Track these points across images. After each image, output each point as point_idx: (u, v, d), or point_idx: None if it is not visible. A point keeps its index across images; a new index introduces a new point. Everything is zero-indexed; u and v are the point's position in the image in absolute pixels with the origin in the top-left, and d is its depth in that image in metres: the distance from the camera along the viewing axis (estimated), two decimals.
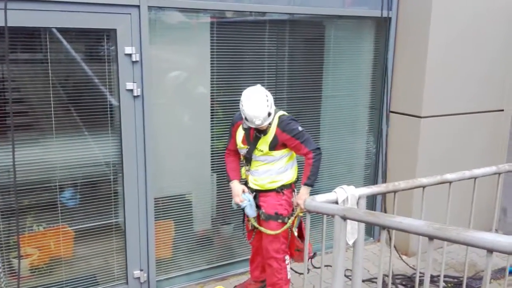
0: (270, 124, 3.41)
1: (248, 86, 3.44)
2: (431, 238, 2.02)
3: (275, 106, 3.51)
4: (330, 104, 4.73)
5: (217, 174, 4.18)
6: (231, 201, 3.71)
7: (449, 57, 4.53)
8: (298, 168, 3.68)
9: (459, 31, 4.52)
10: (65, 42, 3.39)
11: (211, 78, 3.99)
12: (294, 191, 3.63)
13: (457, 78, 4.64)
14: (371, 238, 5.07)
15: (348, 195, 2.54)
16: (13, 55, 3.28)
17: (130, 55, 3.48)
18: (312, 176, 3.45)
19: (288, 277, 3.72)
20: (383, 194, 4.48)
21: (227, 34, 4.00)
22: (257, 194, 3.59)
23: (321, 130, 4.73)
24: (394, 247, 4.69)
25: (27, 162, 3.36)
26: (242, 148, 3.55)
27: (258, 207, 3.59)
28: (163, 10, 3.68)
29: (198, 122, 4.07)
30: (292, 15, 4.29)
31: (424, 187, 2.80)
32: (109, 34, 3.48)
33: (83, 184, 3.68)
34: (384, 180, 4.83)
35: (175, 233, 4.11)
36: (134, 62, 3.51)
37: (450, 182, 2.89)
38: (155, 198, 3.84)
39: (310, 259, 3.75)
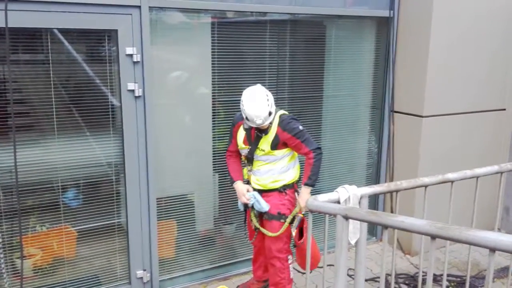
0: (271, 123, 3.41)
1: (249, 86, 3.44)
2: (433, 237, 2.01)
3: (276, 105, 3.51)
4: (332, 104, 4.73)
5: (219, 174, 4.19)
6: (234, 201, 3.71)
7: (451, 56, 4.52)
8: (300, 168, 3.68)
9: (461, 31, 4.52)
10: (66, 43, 3.39)
11: (212, 78, 3.99)
12: (296, 191, 3.63)
13: (459, 77, 4.63)
14: (374, 238, 5.07)
15: (350, 194, 2.54)
16: (15, 56, 3.29)
17: (131, 55, 3.48)
18: (312, 176, 3.45)
19: (291, 277, 3.72)
20: (386, 194, 4.48)
21: (228, 34, 4.00)
22: (260, 194, 3.59)
23: (322, 130, 4.73)
24: (400, 246, 4.70)
25: (29, 163, 3.36)
26: (244, 149, 3.55)
27: None
28: (164, 10, 3.68)
29: (199, 122, 4.07)
30: (293, 15, 4.29)
31: (426, 186, 2.80)
32: (110, 35, 3.48)
33: (85, 184, 3.69)
34: (391, 180, 4.81)
35: (178, 233, 4.11)
36: (135, 63, 3.51)
37: (452, 182, 2.88)
38: (157, 198, 3.84)
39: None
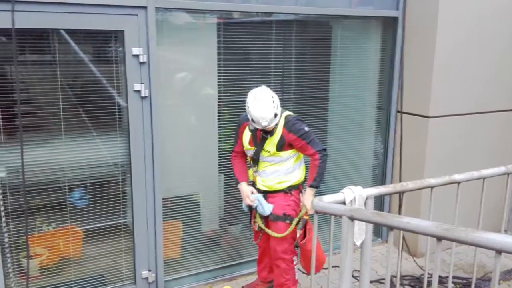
0: (276, 124, 3.41)
1: (255, 86, 3.44)
2: (439, 239, 2.00)
3: (282, 106, 3.51)
4: (337, 104, 4.72)
5: (224, 175, 4.19)
6: (240, 202, 3.71)
7: (457, 56, 4.50)
8: (305, 169, 3.67)
9: (467, 31, 4.49)
10: (73, 44, 3.41)
11: (218, 79, 4.00)
12: (301, 191, 3.63)
13: (465, 78, 4.61)
14: (379, 239, 5.05)
15: (355, 195, 2.53)
16: (22, 57, 3.31)
17: (137, 56, 3.49)
18: (318, 178, 3.44)
19: (296, 278, 3.72)
20: (392, 195, 4.46)
21: (234, 35, 4.00)
22: (265, 195, 3.59)
23: (328, 130, 4.72)
24: (407, 247, 4.68)
25: (36, 163, 3.38)
26: (249, 150, 3.56)
27: None
28: (170, 11, 3.69)
29: (205, 123, 4.08)
30: (299, 15, 4.28)
31: (432, 187, 2.79)
32: (117, 35, 3.49)
33: (91, 184, 3.71)
34: (399, 180, 4.79)
35: (183, 233, 4.12)
36: (141, 63, 3.52)
37: (458, 183, 2.87)
38: (163, 199, 3.85)
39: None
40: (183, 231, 4.12)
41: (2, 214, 3.35)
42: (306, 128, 3.43)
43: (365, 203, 2.56)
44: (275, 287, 3.76)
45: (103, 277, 3.83)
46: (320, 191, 4.07)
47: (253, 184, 3.65)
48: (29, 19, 3.10)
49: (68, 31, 3.35)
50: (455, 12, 4.39)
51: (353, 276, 2.75)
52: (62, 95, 3.40)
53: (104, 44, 3.59)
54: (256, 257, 4.05)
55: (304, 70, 4.49)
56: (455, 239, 1.91)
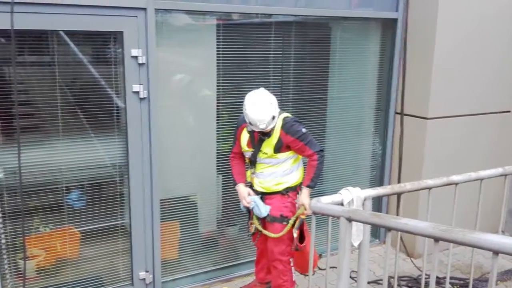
0: (274, 126, 3.40)
1: (254, 88, 3.44)
2: (436, 239, 2.01)
3: (281, 107, 3.51)
4: (336, 105, 4.73)
5: (222, 176, 4.19)
6: (237, 203, 3.71)
7: (456, 58, 4.52)
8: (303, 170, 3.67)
9: (466, 32, 4.51)
10: (72, 45, 3.40)
11: (217, 80, 4.00)
12: (298, 193, 3.63)
13: (464, 79, 4.62)
14: (377, 240, 5.06)
15: (353, 196, 2.54)
16: (21, 58, 3.30)
17: (136, 57, 3.49)
18: (315, 178, 3.45)
19: (293, 279, 3.72)
20: (390, 196, 4.47)
21: (233, 36, 4.00)
22: (263, 196, 3.58)
23: (327, 132, 4.72)
24: (404, 248, 4.68)
25: (34, 164, 3.37)
26: (247, 151, 3.55)
27: None
28: (169, 12, 3.69)
29: (204, 124, 4.08)
30: (298, 17, 4.29)
31: (430, 188, 2.79)
32: (116, 37, 3.49)
33: (89, 185, 3.70)
34: (399, 181, 4.79)
35: (181, 234, 4.11)
36: (140, 65, 3.52)
37: (456, 184, 2.88)
38: (160, 200, 3.85)
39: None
40: (181, 232, 4.11)
41: None
42: (304, 130, 3.43)
43: (363, 204, 2.56)
44: None
45: (101, 278, 3.82)
46: (318, 192, 4.08)
47: (250, 185, 3.65)
48: (28, 20, 3.10)
49: (67, 32, 3.34)
50: (454, 13, 4.40)
51: (350, 277, 2.75)
52: (61, 96, 3.40)
53: (103, 45, 3.59)
54: (254, 258, 4.04)
55: (303, 72, 4.50)
56: (453, 240, 1.92)
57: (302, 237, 3.56)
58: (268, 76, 4.24)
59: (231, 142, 3.77)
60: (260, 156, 3.49)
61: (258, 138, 3.47)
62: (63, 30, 3.32)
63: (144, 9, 3.46)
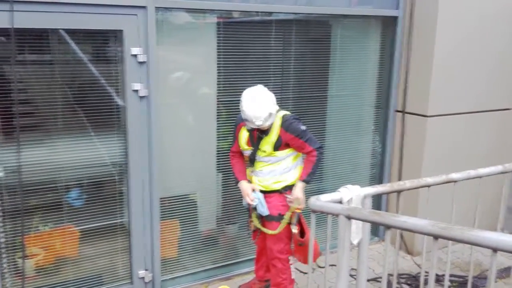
0: (272, 124, 3.40)
1: (254, 86, 3.44)
2: (436, 237, 2.01)
3: (281, 105, 3.51)
4: (336, 103, 4.72)
5: (222, 174, 4.19)
6: (237, 200, 3.71)
7: (456, 56, 4.51)
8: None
9: (466, 30, 4.51)
10: (72, 43, 3.40)
11: (218, 79, 4.00)
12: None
13: (464, 77, 4.62)
14: (376, 238, 5.06)
15: (353, 194, 2.53)
16: (20, 57, 3.29)
17: (136, 55, 3.48)
18: (311, 174, 3.47)
19: (293, 277, 3.72)
20: (389, 194, 4.46)
21: (233, 34, 4.00)
22: (262, 195, 3.58)
23: (326, 130, 4.72)
24: (404, 245, 4.69)
25: (34, 163, 3.37)
26: (246, 150, 3.55)
27: None
28: (170, 11, 3.68)
29: (204, 123, 4.08)
30: (298, 15, 4.28)
31: (429, 186, 2.79)
32: (116, 35, 3.48)
33: (88, 184, 3.70)
34: (400, 179, 4.79)
35: (180, 233, 4.12)
36: (140, 63, 3.51)
37: (455, 182, 2.88)
38: (160, 198, 3.85)
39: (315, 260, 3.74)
40: (180, 230, 4.11)
41: None
42: (303, 127, 3.43)
43: (362, 202, 2.56)
44: (272, 286, 3.76)
45: (100, 277, 3.82)
46: (317, 190, 4.08)
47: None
48: (28, 19, 3.09)
49: (67, 31, 3.34)
50: (454, 11, 4.40)
51: (350, 275, 2.75)
52: (61, 95, 3.40)
53: (103, 43, 3.58)
54: (253, 256, 4.05)
55: (303, 70, 4.49)
56: (452, 237, 1.92)
57: (302, 232, 3.56)
58: (268, 74, 4.24)
59: (231, 140, 3.77)
60: (259, 154, 3.49)
61: (257, 136, 3.46)
62: (63, 29, 3.32)
63: (144, 7, 3.45)
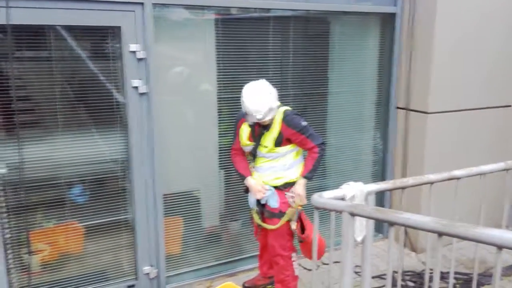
0: (273, 118, 3.39)
1: (257, 80, 3.43)
2: (439, 234, 2.00)
3: (280, 102, 3.50)
4: (336, 100, 4.71)
5: (224, 171, 4.19)
6: (240, 197, 3.70)
7: (456, 52, 4.49)
8: None
9: (466, 26, 4.47)
10: (70, 40, 3.39)
11: (217, 75, 3.99)
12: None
13: (464, 74, 4.59)
14: (380, 235, 5.05)
15: (356, 191, 2.53)
16: (18, 53, 3.30)
17: (135, 52, 3.48)
18: (313, 171, 3.46)
19: (296, 274, 3.72)
20: (392, 191, 4.45)
21: (232, 31, 3.99)
22: None
23: (327, 127, 4.71)
24: (410, 242, 4.68)
25: (36, 160, 3.39)
26: (248, 145, 3.54)
27: (263, 206, 3.58)
28: (167, 7, 3.68)
29: (205, 119, 4.08)
30: (297, 11, 4.26)
31: (432, 183, 2.78)
32: (114, 32, 3.48)
33: (91, 181, 3.71)
34: (404, 176, 4.77)
35: (184, 229, 4.13)
36: (139, 60, 3.51)
37: (458, 179, 2.86)
38: (163, 195, 3.85)
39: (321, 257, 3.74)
40: (184, 227, 4.12)
41: (3, 210, 3.35)
42: (304, 123, 3.42)
43: (365, 199, 2.56)
44: (276, 283, 3.76)
45: (105, 273, 3.84)
46: (320, 187, 4.08)
47: None
48: (24, 15, 3.09)
49: (65, 27, 3.34)
50: (454, 7, 4.37)
51: (354, 271, 2.75)
52: (60, 92, 3.40)
53: (101, 40, 3.57)
54: (257, 253, 4.06)
55: (303, 66, 4.48)
56: (455, 234, 1.90)
57: (303, 228, 3.56)
58: (268, 70, 4.23)
59: (232, 136, 3.75)
60: (260, 150, 3.48)
61: (259, 131, 3.46)
62: (60, 25, 3.31)
63: (142, 3, 3.45)
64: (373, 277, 4.01)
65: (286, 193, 3.52)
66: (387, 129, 4.88)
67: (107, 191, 3.72)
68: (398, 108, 4.79)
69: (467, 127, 4.75)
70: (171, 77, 3.85)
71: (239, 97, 3.36)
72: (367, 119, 4.91)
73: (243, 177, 3.62)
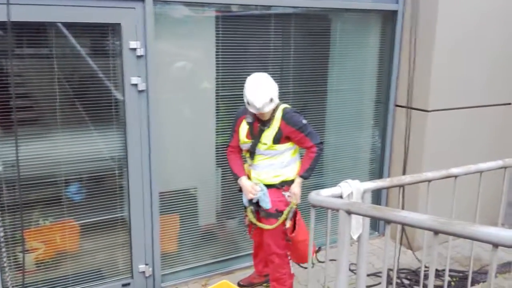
0: (273, 116, 3.39)
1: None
2: (436, 232, 2.00)
3: (280, 99, 3.49)
4: (336, 98, 4.71)
5: (222, 169, 4.18)
6: (236, 195, 3.69)
7: (456, 51, 4.49)
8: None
9: (467, 25, 4.48)
10: (69, 37, 3.38)
11: (216, 72, 3.98)
12: None
13: (464, 72, 4.60)
14: (376, 233, 5.06)
15: (353, 189, 2.53)
16: (18, 50, 3.28)
17: (134, 49, 3.47)
18: (310, 170, 3.46)
19: (292, 272, 3.72)
20: (390, 188, 4.46)
21: (232, 28, 3.98)
22: None
23: (326, 124, 4.71)
24: (406, 240, 4.69)
25: (33, 157, 3.37)
26: (246, 143, 3.54)
27: (258, 205, 3.57)
28: (168, 4, 3.66)
29: (203, 117, 4.07)
30: (298, 9, 4.26)
31: (429, 181, 2.78)
32: (114, 29, 3.47)
33: (88, 178, 3.69)
34: (404, 174, 4.76)
35: (180, 227, 4.12)
36: (138, 57, 3.50)
37: (455, 176, 2.87)
38: (160, 193, 3.84)
39: (314, 254, 3.74)
40: (180, 225, 4.11)
41: None
42: (304, 121, 3.43)
43: (362, 197, 2.56)
44: (271, 281, 3.76)
45: (100, 271, 3.82)
46: (317, 185, 4.07)
47: (248, 179, 3.62)
48: (24, 12, 3.07)
49: (65, 24, 3.32)
50: (455, 6, 4.37)
51: (350, 269, 2.75)
52: (59, 89, 3.38)
53: (101, 37, 3.56)
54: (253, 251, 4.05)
55: (303, 64, 4.47)
56: (452, 232, 1.91)
57: (294, 227, 3.56)
58: (268, 68, 4.22)
59: (229, 134, 3.74)
60: (259, 147, 3.48)
61: (258, 128, 3.45)
62: (60, 22, 3.30)
63: (142, 0, 3.43)
64: (368, 275, 4.02)
65: (283, 192, 3.51)
66: (386, 127, 4.88)
67: (103, 189, 3.71)
68: (399, 106, 4.79)
69: (467, 125, 4.76)
70: (170, 74, 3.84)
71: (239, 95, 3.36)
72: (366, 116, 4.92)
73: (236, 177, 3.61)
